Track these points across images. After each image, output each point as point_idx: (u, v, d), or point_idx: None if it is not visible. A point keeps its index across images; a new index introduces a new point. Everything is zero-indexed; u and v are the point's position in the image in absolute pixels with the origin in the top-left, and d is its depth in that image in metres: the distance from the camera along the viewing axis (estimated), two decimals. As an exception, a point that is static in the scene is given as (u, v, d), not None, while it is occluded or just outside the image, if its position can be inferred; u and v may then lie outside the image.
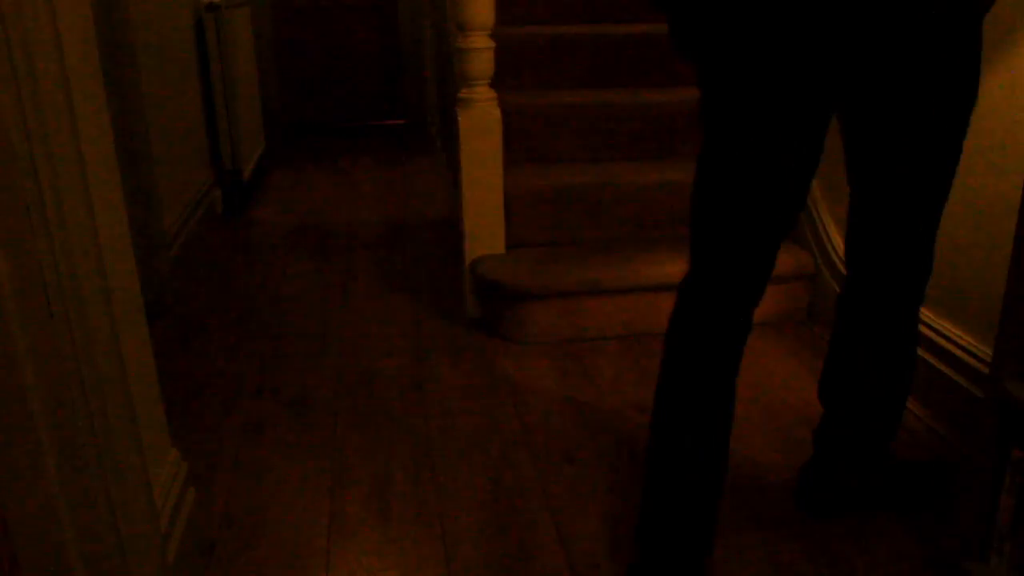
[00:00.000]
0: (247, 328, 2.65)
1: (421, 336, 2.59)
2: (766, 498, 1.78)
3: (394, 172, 4.77)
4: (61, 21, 1.11)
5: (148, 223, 2.67)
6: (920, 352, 2.12)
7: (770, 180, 1.31)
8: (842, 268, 2.46)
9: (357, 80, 5.99)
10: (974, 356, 1.96)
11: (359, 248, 3.42)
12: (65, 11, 1.14)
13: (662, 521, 1.47)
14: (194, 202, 3.45)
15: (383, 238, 3.55)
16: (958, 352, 2.00)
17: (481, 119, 2.52)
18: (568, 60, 3.10)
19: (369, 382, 2.30)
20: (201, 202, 3.56)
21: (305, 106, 5.97)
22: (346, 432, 2.05)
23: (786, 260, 2.58)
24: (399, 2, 5.79)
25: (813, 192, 2.61)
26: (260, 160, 4.49)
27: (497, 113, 2.54)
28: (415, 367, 2.39)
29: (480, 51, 2.47)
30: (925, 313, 2.14)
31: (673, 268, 2.52)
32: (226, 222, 3.81)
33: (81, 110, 1.17)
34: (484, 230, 2.62)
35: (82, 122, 1.17)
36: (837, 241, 2.51)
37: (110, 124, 1.36)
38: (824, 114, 1.31)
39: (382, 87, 6.01)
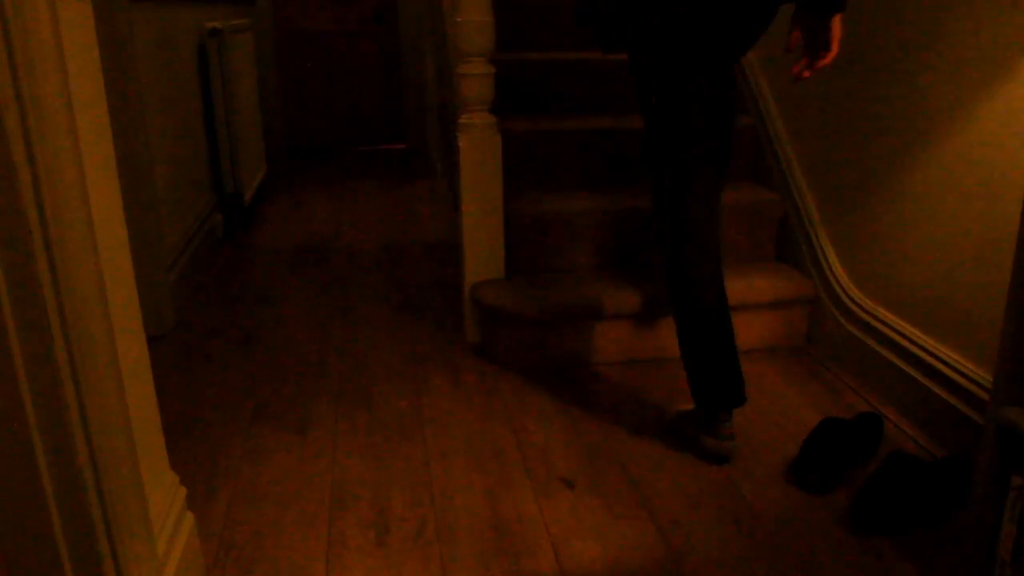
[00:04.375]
0: (247, 352, 2.65)
1: (421, 360, 2.59)
2: (761, 521, 1.78)
3: (395, 196, 4.79)
4: (66, 45, 1.12)
5: (149, 246, 2.68)
6: (920, 378, 2.13)
7: (696, 98, 1.89)
8: (842, 294, 2.47)
9: (358, 105, 6.02)
10: (974, 382, 1.96)
11: (360, 272, 3.43)
12: (70, 35, 1.15)
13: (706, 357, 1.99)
14: (195, 225, 3.46)
15: (384, 262, 3.56)
16: (957, 378, 2.00)
17: (481, 144, 2.54)
18: (566, 86, 3.12)
19: (369, 407, 2.30)
20: (202, 226, 3.57)
21: (307, 130, 6.00)
22: (345, 457, 2.05)
23: (785, 285, 2.59)
24: (400, 27, 5.83)
25: (813, 220, 2.62)
26: (261, 184, 4.50)
27: (497, 138, 2.55)
28: (415, 392, 2.39)
29: (480, 76, 2.49)
30: (925, 339, 2.14)
31: (673, 293, 2.53)
32: (227, 246, 3.82)
33: (85, 133, 1.18)
34: (484, 255, 2.63)
35: (86, 146, 1.18)
36: (837, 267, 2.51)
37: (113, 148, 1.36)
38: (719, 64, 1.89)
39: (383, 112, 6.05)
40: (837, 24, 1.78)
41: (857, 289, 2.44)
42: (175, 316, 2.87)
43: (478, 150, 2.54)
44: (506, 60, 2.94)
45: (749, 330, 2.61)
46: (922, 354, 2.13)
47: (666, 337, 2.57)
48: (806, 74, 1.82)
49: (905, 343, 2.20)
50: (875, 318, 2.33)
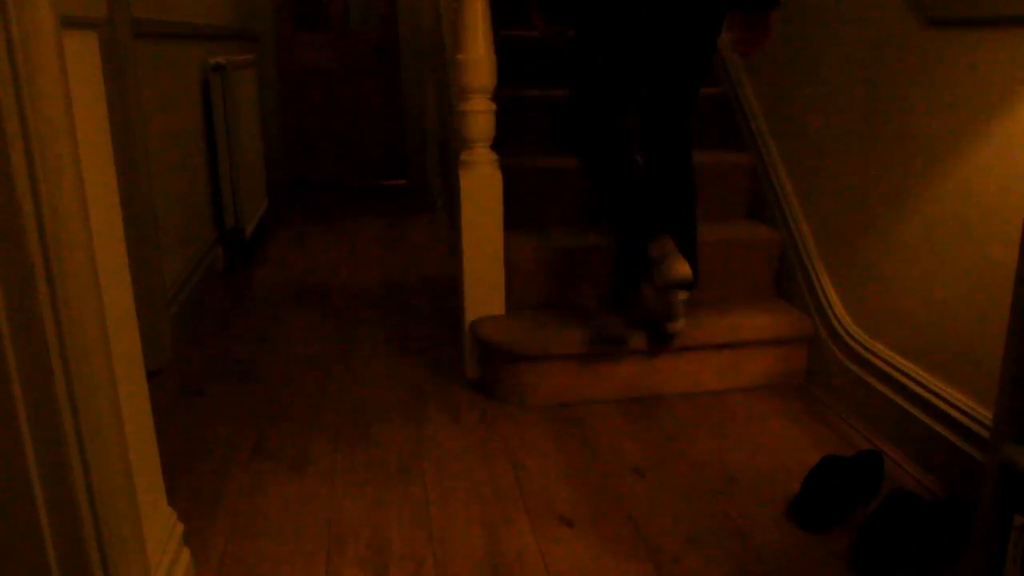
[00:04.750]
0: (246, 387, 2.65)
1: (420, 397, 2.59)
2: (762, 561, 1.76)
3: (395, 232, 4.80)
4: (72, 78, 1.13)
5: (149, 280, 2.68)
6: (920, 415, 2.12)
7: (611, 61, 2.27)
8: (841, 331, 2.47)
9: (360, 140, 6.06)
10: (975, 419, 1.95)
11: (360, 307, 3.43)
12: (76, 68, 1.16)
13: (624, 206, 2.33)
14: (196, 259, 3.47)
15: (384, 297, 3.56)
16: (958, 415, 2.00)
17: (482, 181, 2.55)
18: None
19: (367, 443, 2.29)
20: (203, 259, 3.58)
21: (308, 165, 6.03)
22: (344, 493, 2.04)
23: (784, 322, 2.59)
24: (402, 64, 5.89)
25: (812, 257, 2.62)
26: (262, 218, 4.52)
27: (498, 175, 2.56)
28: (414, 428, 2.38)
29: (481, 114, 2.51)
30: (924, 376, 2.14)
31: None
32: (228, 280, 3.82)
33: (88, 166, 1.19)
34: (484, 291, 2.63)
35: (88, 178, 1.18)
36: (835, 303, 2.51)
37: (116, 180, 1.37)
38: (631, 40, 2.26)
39: (385, 148, 6.09)
40: (771, 19, 2.26)
41: (856, 325, 2.44)
42: (174, 350, 2.87)
43: (478, 186, 2.55)
44: (507, 96, 2.96)
45: (748, 367, 2.60)
46: (922, 391, 2.13)
47: (667, 375, 2.56)
48: (738, 51, 2.34)
49: (905, 380, 2.19)
50: (874, 355, 2.33)
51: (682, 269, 2.20)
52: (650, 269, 2.26)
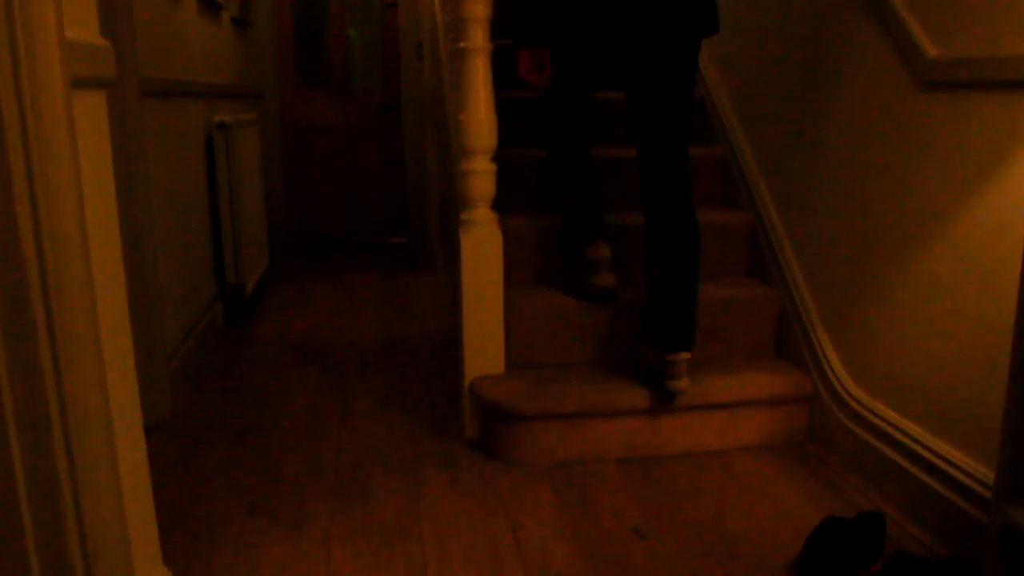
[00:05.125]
0: (244, 445, 2.64)
1: (419, 456, 2.57)
2: (768, 627, 1.74)
3: (395, 289, 4.81)
4: (79, 135, 1.15)
5: (149, 335, 2.68)
6: (921, 475, 2.11)
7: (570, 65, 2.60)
8: (841, 391, 2.46)
9: (361, 198, 6.10)
10: (976, 480, 1.94)
11: (359, 365, 3.43)
12: (84, 126, 1.18)
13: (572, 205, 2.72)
14: (196, 315, 3.48)
15: (383, 355, 3.56)
16: (959, 476, 1.99)
17: (482, 241, 2.57)
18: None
19: (365, 502, 2.28)
20: (203, 315, 3.58)
21: (310, 222, 6.07)
22: (341, 554, 2.02)
23: (784, 382, 2.59)
24: (404, 123, 5.95)
25: (811, 317, 2.63)
26: (263, 275, 4.53)
27: (498, 235, 2.58)
28: (412, 488, 2.36)
29: (482, 174, 2.53)
30: (925, 436, 2.13)
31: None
32: (227, 336, 3.82)
33: (92, 222, 1.20)
34: (484, 350, 2.63)
35: (92, 233, 1.20)
36: (835, 363, 2.51)
37: (119, 236, 1.39)
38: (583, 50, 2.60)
39: (386, 205, 6.13)
40: None
41: (856, 385, 2.44)
42: (172, 406, 2.86)
43: (479, 246, 2.56)
44: (509, 156, 2.99)
45: (748, 426, 2.59)
46: (922, 451, 2.12)
47: (667, 434, 2.55)
48: None
49: (905, 440, 2.19)
50: (874, 414, 2.32)
51: (605, 280, 2.63)
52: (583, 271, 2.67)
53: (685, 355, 2.44)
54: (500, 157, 2.59)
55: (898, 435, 2.22)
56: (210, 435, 2.70)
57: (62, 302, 1.09)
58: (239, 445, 2.63)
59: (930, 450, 2.10)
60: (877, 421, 2.31)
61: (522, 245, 2.85)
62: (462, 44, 2.49)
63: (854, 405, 2.41)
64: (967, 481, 1.96)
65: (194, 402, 2.99)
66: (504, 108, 2.68)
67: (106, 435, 1.22)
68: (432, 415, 2.89)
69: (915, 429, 2.18)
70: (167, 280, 3.00)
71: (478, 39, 2.47)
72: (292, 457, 2.54)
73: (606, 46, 2.47)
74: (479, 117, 2.49)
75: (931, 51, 2.08)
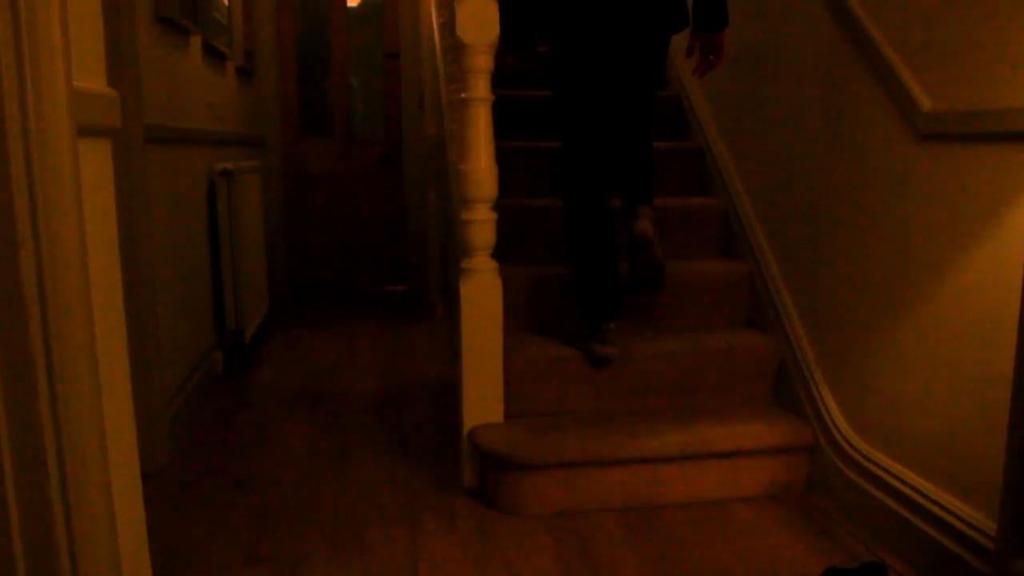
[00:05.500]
0: (241, 492, 2.62)
1: (417, 504, 2.55)
2: None
3: (395, 337, 4.81)
4: (84, 182, 1.16)
5: (148, 381, 2.68)
6: (923, 526, 2.10)
7: (588, 90, 2.66)
8: (842, 441, 2.46)
9: (362, 245, 6.12)
10: (978, 531, 1.93)
11: (357, 413, 3.41)
12: (88, 172, 1.19)
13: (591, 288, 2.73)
14: (195, 361, 3.47)
15: (382, 403, 3.55)
16: (961, 527, 1.97)
17: (482, 289, 2.57)
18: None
19: (362, 551, 2.26)
20: (202, 362, 3.58)
21: (310, 269, 6.08)
22: (336, 602, 2.00)
23: (784, 432, 2.58)
24: (405, 171, 5.99)
25: (811, 366, 2.63)
26: (263, 321, 4.53)
27: (498, 283, 2.59)
28: (410, 537, 2.34)
29: (482, 223, 2.55)
30: (926, 486, 2.12)
31: (673, 439, 2.51)
32: (227, 383, 3.82)
33: (94, 268, 1.20)
34: (483, 399, 2.63)
35: (94, 279, 1.20)
36: (835, 413, 2.51)
37: (120, 282, 1.39)
38: (603, 66, 2.65)
39: (386, 253, 6.14)
40: (723, 38, 2.63)
41: (857, 435, 2.43)
42: (170, 453, 2.85)
43: (479, 295, 2.57)
44: (509, 206, 3.01)
45: (749, 476, 2.58)
46: (924, 501, 2.11)
47: (667, 484, 2.54)
48: (697, 74, 2.75)
49: (907, 490, 2.17)
50: (875, 464, 2.31)
51: (609, 351, 2.67)
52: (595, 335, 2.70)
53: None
54: (498, 206, 2.61)
55: (899, 485, 2.21)
56: (207, 482, 2.69)
57: (62, 346, 1.10)
58: (236, 493, 2.61)
59: (932, 500, 2.09)
60: (878, 471, 2.30)
61: (516, 293, 2.86)
62: (464, 95, 2.53)
63: (854, 455, 2.40)
64: (969, 532, 1.95)
65: (192, 449, 2.98)
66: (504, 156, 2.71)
67: (103, 481, 1.21)
68: (430, 463, 2.87)
69: (916, 479, 2.17)
70: (167, 325, 3.01)
71: (480, 90, 2.50)
72: (290, 505, 2.52)
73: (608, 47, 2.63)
74: (480, 167, 2.52)
75: (926, 104, 2.10)
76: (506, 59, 2.74)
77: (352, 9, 6.09)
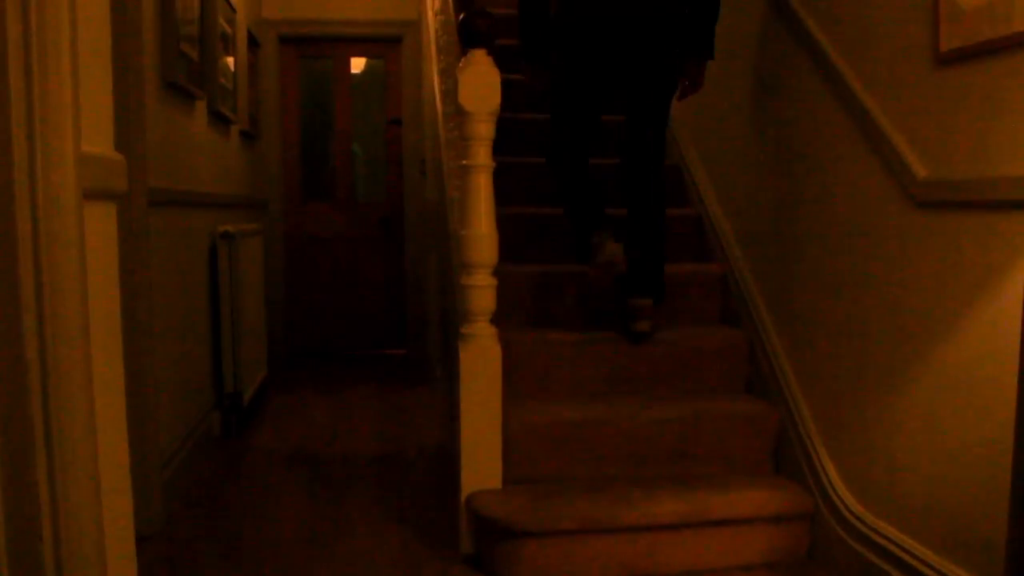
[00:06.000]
0: (235, 557, 2.59)
1: (414, 571, 2.52)
2: None
3: (393, 401, 4.80)
4: (88, 246, 1.17)
5: (144, 443, 2.66)
6: (926, 600, 2.07)
7: (580, 97, 2.94)
8: (842, 508, 2.43)
9: (361, 309, 6.13)
10: (981, 605, 1.90)
11: (354, 477, 3.39)
12: (93, 237, 1.20)
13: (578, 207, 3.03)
14: (193, 423, 3.46)
15: (379, 468, 3.52)
16: (964, 600, 1.95)
17: (481, 355, 2.57)
18: (565, 297, 3.20)
19: (357, 617, 2.22)
20: (199, 424, 3.56)
21: (309, 332, 6.08)
22: (330, 671, 1.96)
23: (783, 499, 2.56)
24: (405, 235, 6.03)
25: (810, 433, 2.62)
26: (261, 384, 4.52)
27: (498, 349, 2.59)
28: (405, 603, 2.31)
29: (482, 288, 2.56)
30: (928, 554, 2.10)
31: (672, 507, 2.49)
32: (223, 445, 3.79)
33: (95, 327, 1.21)
34: (481, 465, 2.61)
35: (95, 340, 1.21)
36: (836, 480, 2.49)
37: (121, 345, 1.40)
38: (602, 77, 2.91)
39: (385, 316, 6.16)
40: (703, 69, 2.93)
41: (857, 502, 2.41)
42: (165, 516, 2.82)
43: (478, 360, 2.57)
44: (508, 271, 3.03)
45: (749, 544, 2.55)
46: (927, 570, 2.08)
47: (666, 553, 2.51)
48: (678, 98, 3.00)
49: (908, 558, 2.15)
50: (876, 532, 2.29)
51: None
52: (589, 253, 2.95)
53: (647, 300, 2.89)
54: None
55: (901, 553, 2.18)
56: (202, 547, 2.66)
57: (61, 406, 1.10)
58: (231, 558, 2.58)
59: (934, 569, 2.06)
60: (878, 538, 2.27)
61: (522, 358, 2.86)
62: (465, 162, 2.56)
63: (856, 523, 2.38)
64: (972, 604, 1.92)
65: (187, 511, 2.95)
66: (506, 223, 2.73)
67: (98, 544, 1.20)
68: (428, 529, 2.84)
69: (919, 548, 2.15)
70: (165, 387, 3.00)
71: (481, 157, 2.53)
72: (283, 572, 2.49)
73: (615, 59, 2.85)
74: (480, 232, 2.53)
75: (921, 172, 2.13)
76: (525, 76, 3.00)
77: (356, 75, 6.19)
